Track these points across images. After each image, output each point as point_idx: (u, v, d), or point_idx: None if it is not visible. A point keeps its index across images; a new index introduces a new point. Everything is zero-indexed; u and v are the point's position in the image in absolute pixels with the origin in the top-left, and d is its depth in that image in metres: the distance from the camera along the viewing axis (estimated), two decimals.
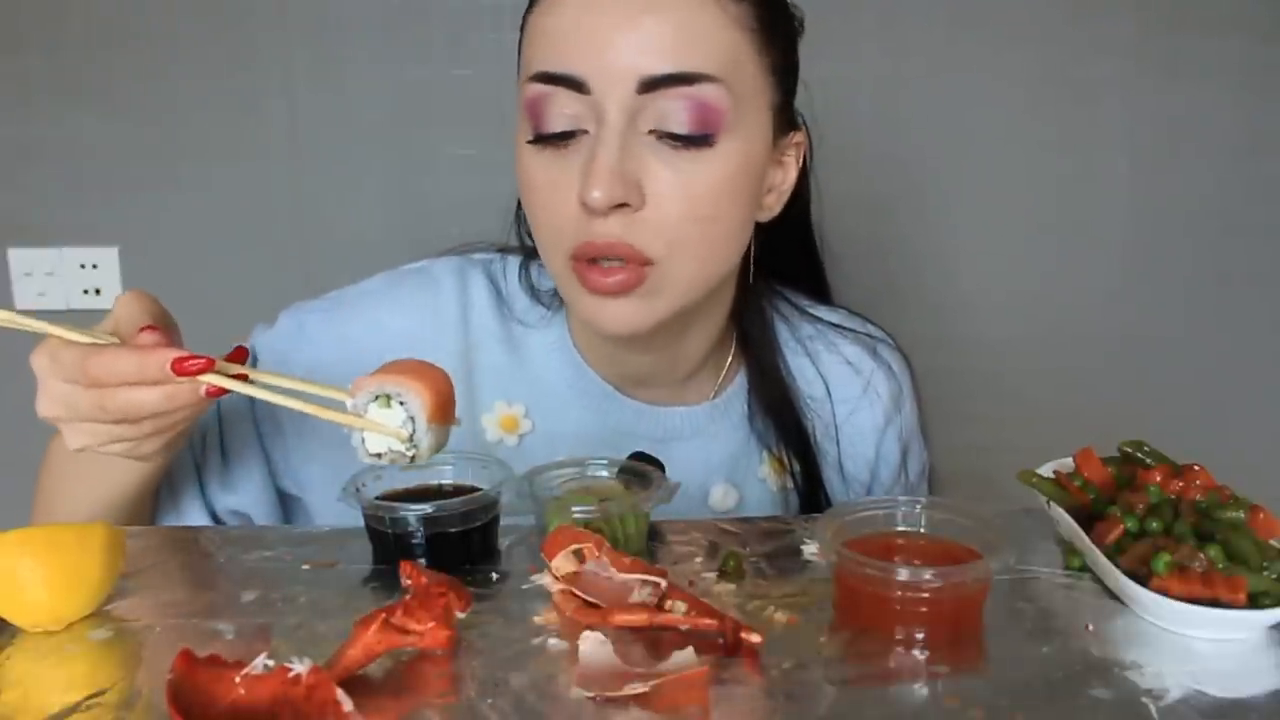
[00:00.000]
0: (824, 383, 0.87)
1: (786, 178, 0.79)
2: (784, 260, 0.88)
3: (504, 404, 0.83)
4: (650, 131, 0.69)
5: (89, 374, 0.58)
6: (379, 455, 0.57)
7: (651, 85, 0.68)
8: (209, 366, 0.58)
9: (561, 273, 0.74)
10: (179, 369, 0.57)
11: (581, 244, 0.71)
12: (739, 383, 0.87)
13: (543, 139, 0.71)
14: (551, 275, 0.77)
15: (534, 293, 0.85)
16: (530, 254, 0.85)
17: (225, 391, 0.59)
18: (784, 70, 0.75)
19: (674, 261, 0.71)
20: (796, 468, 0.86)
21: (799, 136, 0.80)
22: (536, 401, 0.83)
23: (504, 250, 0.88)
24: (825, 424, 0.87)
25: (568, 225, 0.71)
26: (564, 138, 0.71)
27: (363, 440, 0.58)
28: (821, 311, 0.91)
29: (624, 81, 0.68)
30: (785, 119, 0.77)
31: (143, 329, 0.61)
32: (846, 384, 0.88)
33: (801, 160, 0.81)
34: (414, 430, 0.56)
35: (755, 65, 0.72)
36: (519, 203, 0.82)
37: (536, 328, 0.84)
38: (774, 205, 0.79)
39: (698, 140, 0.69)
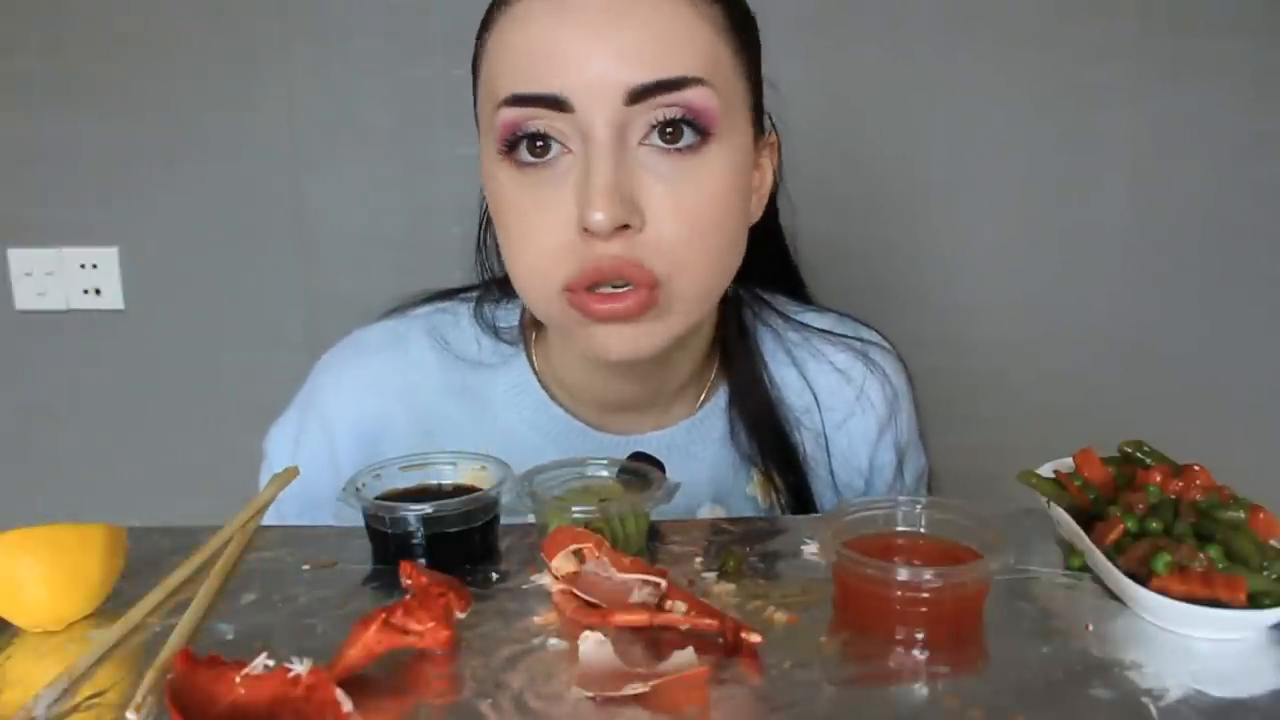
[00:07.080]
0: (811, 393, 0.84)
1: (764, 180, 0.78)
2: (759, 264, 0.86)
3: None
4: (641, 143, 0.66)
5: None
6: None
7: (639, 95, 0.64)
8: None
9: (551, 304, 0.69)
10: None
11: (587, 269, 0.66)
12: (719, 398, 0.84)
13: (524, 164, 0.67)
14: (532, 307, 0.73)
15: (494, 332, 0.82)
16: (483, 295, 0.82)
17: None
18: (754, 72, 0.74)
19: (681, 279, 0.68)
20: (783, 484, 0.83)
21: (772, 137, 0.78)
22: (504, 452, 0.76)
23: (443, 295, 0.84)
24: (815, 435, 0.84)
25: (560, 252, 0.67)
26: (548, 160, 0.67)
27: None
28: (810, 317, 0.88)
29: (609, 95, 0.64)
30: (759, 121, 0.75)
31: None
32: (836, 393, 0.85)
33: (776, 161, 0.79)
34: None
35: (733, 67, 0.70)
36: (481, 234, 0.79)
37: (498, 369, 0.81)
38: (756, 210, 0.77)
39: (691, 147, 0.67)
